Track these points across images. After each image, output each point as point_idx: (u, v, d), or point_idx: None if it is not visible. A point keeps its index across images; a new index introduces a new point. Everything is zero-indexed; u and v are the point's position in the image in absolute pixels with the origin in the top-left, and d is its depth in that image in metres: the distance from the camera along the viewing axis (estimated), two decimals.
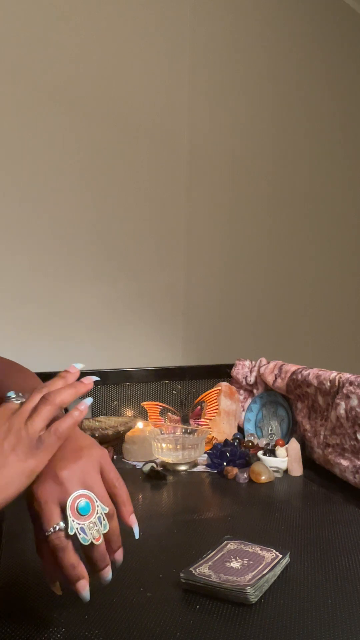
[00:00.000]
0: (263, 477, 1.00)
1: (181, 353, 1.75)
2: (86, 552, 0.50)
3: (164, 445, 1.10)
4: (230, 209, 1.86)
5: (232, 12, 1.82)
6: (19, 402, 0.53)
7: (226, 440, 1.16)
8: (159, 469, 1.05)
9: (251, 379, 1.34)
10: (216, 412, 1.26)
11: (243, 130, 1.87)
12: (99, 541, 0.50)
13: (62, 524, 0.49)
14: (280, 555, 0.66)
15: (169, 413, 1.28)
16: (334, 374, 1.04)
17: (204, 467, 1.10)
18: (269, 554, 0.66)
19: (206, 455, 1.14)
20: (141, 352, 1.65)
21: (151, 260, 1.68)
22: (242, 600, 0.57)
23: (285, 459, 1.05)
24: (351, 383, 0.98)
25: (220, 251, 1.84)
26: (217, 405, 1.27)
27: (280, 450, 1.06)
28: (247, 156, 1.88)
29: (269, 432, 1.25)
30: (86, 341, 1.56)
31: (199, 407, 1.28)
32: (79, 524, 0.49)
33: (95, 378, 0.57)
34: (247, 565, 0.63)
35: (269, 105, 1.93)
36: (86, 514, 0.49)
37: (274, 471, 1.03)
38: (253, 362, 1.36)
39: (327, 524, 0.80)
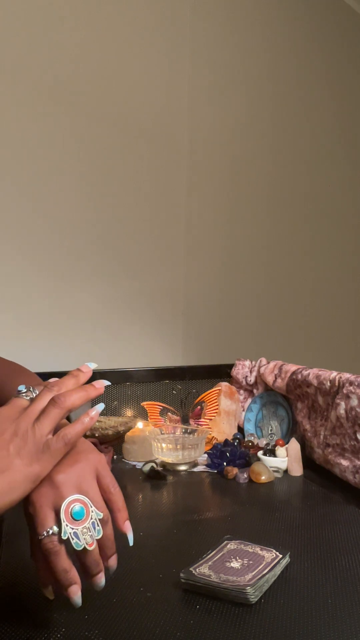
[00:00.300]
0: (263, 477, 1.00)
1: (181, 353, 1.75)
2: (79, 558, 0.50)
3: (164, 445, 1.10)
4: (230, 209, 1.86)
5: (232, 12, 1.82)
6: (28, 398, 0.53)
7: (226, 440, 1.16)
8: (159, 469, 1.05)
9: (251, 379, 1.34)
10: (216, 412, 1.26)
11: (243, 130, 1.87)
12: (92, 547, 0.49)
13: (55, 528, 0.48)
14: (280, 555, 0.66)
15: (169, 413, 1.28)
16: (334, 374, 1.04)
17: (204, 467, 1.10)
18: (269, 554, 0.66)
19: (206, 455, 1.14)
20: (141, 352, 1.65)
21: (151, 260, 1.68)
22: (242, 600, 0.57)
23: (285, 459, 1.05)
24: (351, 383, 0.98)
25: (220, 251, 1.84)
26: (217, 405, 1.27)
27: (280, 450, 1.06)
28: (246, 156, 1.88)
29: (269, 432, 1.25)
30: (86, 341, 1.56)
31: (199, 407, 1.28)
32: (73, 528, 0.48)
33: (107, 382, 0.55)
34: (247, 565, 0.63)
35: (268, 105, 1.93)
36: (80, 519, 0.49)
37: (274, 471, 1.03)
38: (253, 362, 1.36)
39: (327, 524, 0.80)
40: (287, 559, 0.66)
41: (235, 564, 0.64)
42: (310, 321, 2.06)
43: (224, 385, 1.32)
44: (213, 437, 1.22)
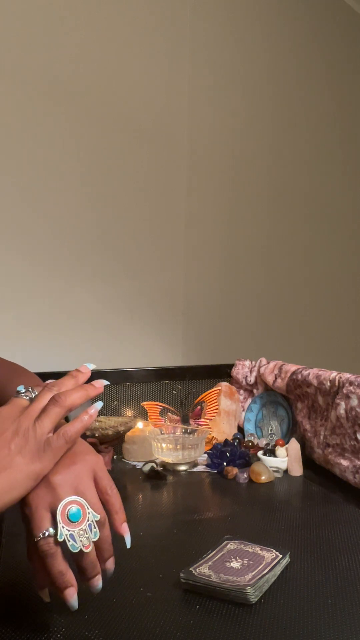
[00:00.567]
0: (263, 477, 1.00)
1: (181, 353, 1.75)
2: (76, 560, 0.49)
3: (164, 445, 1.10)
4: (230, 209, 1.86)
5: (232, 12, 1.82)
6: (28, 398, 0.53)
7: (226, 440, 1.16)
8: (159, 469, 1.05)
9: (251, 379, 1.34)
10: (216, 412, 1.26)
11: (243, 130, 1.87)
12: (89, 549, 0.49)
13: (51, 530, 0.48)
14: (280, 555, 0.66)
15: (169, 413, 1.28)
16: (334, 374, 1.04)
17: (204, 467, 1.10)
18: (269, 554, 0.66)
19: (206, 455, 1.14)
20: (141, 352, 1.65)
21: (151, 260, 1.68)
22: (242, 600, 0.57)
23: (285, 459, 1.05)
24: (351, 383, 0.98)
25: (221, 251, 1.84)
26: (217, 405, 1.27)
27: (280, 450, 1.06)
28: (246, 156, 1.88)
29: (269, 432, 1.25)
30: (86, 341, 1.56)
31: (199, 407, 1.28)
32: (69, 530, 0.48)
33: (106, 382, 0.56)
34: (247, 565, 0.63)
35: (269, 105, 1.93)
36: (76, 520, 0.48)
37: (274, 471, 1.03)
38: (253, 362, 1.36)
39: (327, 524, 0.80)
40: (287, 559, 0.66)
41: (235, 564, 0.64)
42: (311, 321, 2.06)
43: (224, 385, 1.32)
44: (213, 437, 1.22)
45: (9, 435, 0.48)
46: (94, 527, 0.50)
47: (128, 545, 0.53)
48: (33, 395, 0.53)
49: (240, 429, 1.31)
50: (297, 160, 2.01)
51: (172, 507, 0.91)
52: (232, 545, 0.69)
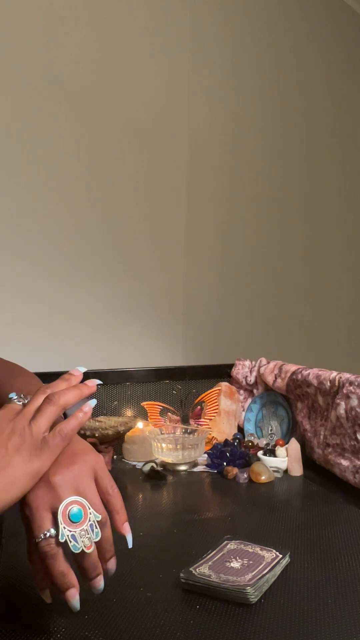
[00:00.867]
0: (263, 477, 1.00)
1: (181, 353, 1.75)
2: (77, 560, 0.49)
3: (164, 445, 1.10)
4: (230, 209, 1.86)
5: (232, 12, 1.82)
6: (20, 403, 0.53)
7: (226, 440, 1.16)
8: (159, 469, 1.05)
9: (251, 379, 1.34)
10: (216, 412, 1.26)
11: (243, 130, 1.87)
12: (91, 549, 0.49)
13: (52, 531, 0.48)
14: (280, 555, 0.66)
15: (169, 413, 1.28)
16: (334, 374, 1.04)
17: (204, 467, 1.10)
18: (269, 554, 0.66)
19: (206, 455, 1.14)
20: (141, 352, 1.65)
21: (151, 260, 1.68)
22: (242, 600, 0.57)
23: (285, 459, 1.05)
24: (351, 383, 0.98)
25: (221, 251, 1.84)
26: (217, 405, 1.27)
27: (280, 450, 1.06)
28: (246, 156, 1.88)
29: (269, 432, 1.25)
30: (86, 341, 1.56)
31: (199, 407, 1.28)
32: (70, 531, 0.48)
33: (99, 382, 0.56)
34: (247, 565, 0.63)
35: (268, 105, 1.93)
36: (78, 521, 0.48)
37: (274, 471, 1.03)
38: (253, 362, 1.36)
39: (327, 524, 0.80)
40: (287, 559, 0.66)
41: (235, 564, 0.64)
42: (310, 321, 2.06)
43: (224, 385, 1.32)
44: (213, 437, 1.22)
45: (6, 435, 0.49)
46: (96, 527, 0.50)
47: (130, 545, 0.53)
48: (25, 401, 0.54)
49: (240, 429, 1.31)
50: (296, 161, 2.01)
51: (172, 507, 0.91)
52: (232, 545, 0.69)
